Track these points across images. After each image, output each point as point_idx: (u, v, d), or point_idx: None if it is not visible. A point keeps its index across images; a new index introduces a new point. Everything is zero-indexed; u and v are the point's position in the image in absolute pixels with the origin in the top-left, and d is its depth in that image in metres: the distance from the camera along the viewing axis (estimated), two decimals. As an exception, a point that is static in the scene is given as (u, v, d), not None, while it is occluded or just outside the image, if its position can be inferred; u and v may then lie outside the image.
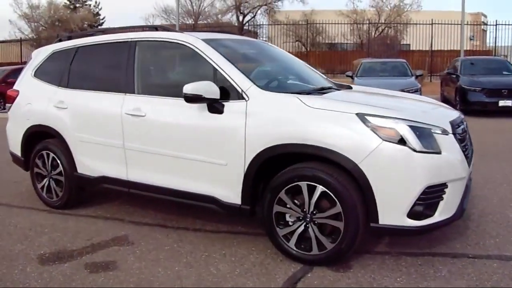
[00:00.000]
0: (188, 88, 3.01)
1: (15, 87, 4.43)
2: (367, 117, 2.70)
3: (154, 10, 30.09)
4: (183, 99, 3.09)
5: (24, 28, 26.50)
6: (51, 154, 4.01)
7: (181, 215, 3.89)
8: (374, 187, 2.64)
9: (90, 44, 4.00)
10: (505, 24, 20.29)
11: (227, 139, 3.04)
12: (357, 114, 2.72)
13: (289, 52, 5.61)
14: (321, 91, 3.51)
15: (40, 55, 4.34)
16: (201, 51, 3.30)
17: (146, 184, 3.48)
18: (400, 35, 23.89)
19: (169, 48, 3.64)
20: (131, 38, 3.71)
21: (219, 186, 3.14)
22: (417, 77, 11.37)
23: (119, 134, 3.56)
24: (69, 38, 4.32)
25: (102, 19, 33.96)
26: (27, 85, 4.31)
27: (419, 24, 20.38)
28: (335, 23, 23.86)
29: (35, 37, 25.98)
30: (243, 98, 3.04)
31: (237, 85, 3.08)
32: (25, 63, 21.52)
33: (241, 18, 28.60)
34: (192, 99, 3.04)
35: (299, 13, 28.70)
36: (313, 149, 2.78)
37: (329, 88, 3.73)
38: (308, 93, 3.32)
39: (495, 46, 20.07)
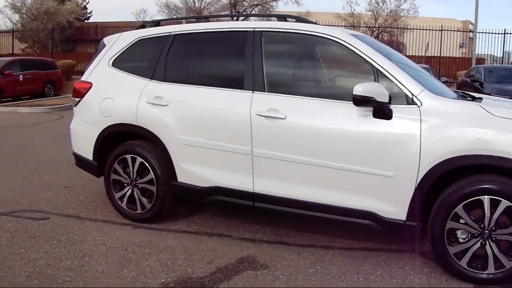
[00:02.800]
0: (359, 89, 2.65)
1: (85, 78, 3.76)
2: None
3: (156, 5, 29.11)
4: (332, 100, 2.84)
5: (14, 19, 25.04)
6: (139, 159, 3.41)
7: (293, 229, 3.44)
8: None
9: (192, 32, 3.43)
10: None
11: (398, 149, 2.68)
12: None
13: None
14: (467, 98, 3.19)
15: (118, 42, 3.71)
16: (355, 47, 2.92)
17: (279, 198, 3.00)
18: (397, 39, 23.94)
19: (307, 42, 3.20)
20: (254, 28, 3.20)
21: (381, 200, 2.76)
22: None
23: (246, 139, 3.02)
24: (157, 24, 3.72)
25: (89, 13, 32.64)
26: (104, 77, 3.67)
27: (429, 30, 20.42)
28: (331, 25, 23.65)
29: (20, 28, 24.49)
30: (414, 104, 2.70)
31: (406, 89, 2.74)
32: (14, 54, 20.35)
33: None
34: (362, 101, 2.67)
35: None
36: (500, 160, 2.49)
37: (468, 95, 3.39)
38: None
39: (503, 54, 20.40)
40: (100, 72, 3.69)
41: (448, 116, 2.68)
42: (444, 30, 20.11)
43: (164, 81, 3.38)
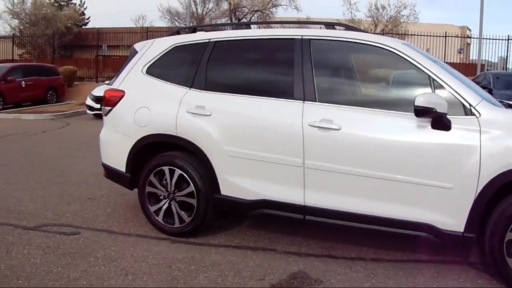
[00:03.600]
0: (421, 100, 2.59)
1: (116, 86, 3.60)
2: None
3: (158, 11, 28.82)
4: (388, 110, 2.78)
5: (13, 24, 24.72)
6: (177, 171, 3.26)
7: (336, 241, 3.33)
8: None
9: (234, 39, 3.30)
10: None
11: (457, 160, 2.61)
12: None
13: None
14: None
15: (152, 49, 3.56)
16: (409, 57, 2.86)
17: (333, 211, 2.88)
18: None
19: (359, 51, 3.13)
20: (302, 35, 3.09)
21: (439, 212, 2.69)
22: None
23: (298, 150, 2.91)
24: (193, 30, 3.58)
25: (87, 18, 32.47)
26: (138, 85, 3.51)
27: (432, 36, 20.49)
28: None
29: (18, 34, 24.21)
30: (473, 114, 2.65)
31: (464, 100, 2.69)
32: (14, 60, 20.10)
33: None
34: (423, 112, 2.61)
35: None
36: None
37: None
38: None
39: (507, 60, 20.51)
40: (133, 80, 3.54)
41: (507, 126, 2.62)
42: (448, 36, 20.17)
43: (205, 90, 3.25)
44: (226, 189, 3.15)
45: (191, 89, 3.29)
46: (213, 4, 25.51)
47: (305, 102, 2.98)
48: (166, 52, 3.47)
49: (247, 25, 3.42)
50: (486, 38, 18.70)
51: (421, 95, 2.63)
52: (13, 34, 23.51)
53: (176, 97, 3.28)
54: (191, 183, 3.22)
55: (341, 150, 2.87)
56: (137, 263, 2.95)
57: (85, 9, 31.78)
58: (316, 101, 2.97)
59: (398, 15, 25.62)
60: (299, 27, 3.49)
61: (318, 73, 3.04)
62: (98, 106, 11.39)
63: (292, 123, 2.94)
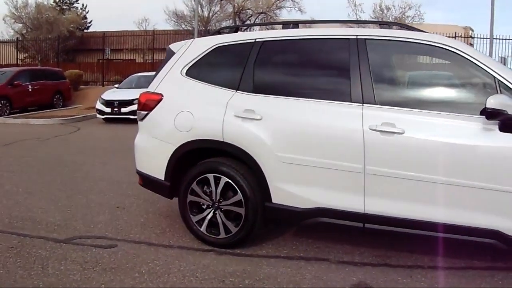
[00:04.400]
0: (492, 102, 2.46)
1: (153, 89, 3.38)
2: None
3: (159, 14, 28.62)
4: (452, 113, 2.65)
5: (16, 28, 24.48)
6: (223, 178, 3.04)
7: (387, 249, 3.16)
8: None
9: (283, 38, 3.10)
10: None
11: None
12: None
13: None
14: None
15: (191, 49, 3.34)
16: (473, 57, 2.71)
17: (395, 218, 2.71)
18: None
19: (418, 51, 3.03)
20: (356, 35, 2.92)
21: (507, 218, 2.55)
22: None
23: (358, 155, 2.73)
24: (236, 30, 3.38)
25: (89, 22, 32.26)
26: (177, 87, 3.29)
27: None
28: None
29: (20, 38, 24.00)
30: None
31: None
32: (18, 65, 19.84)
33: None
34: (494, 114, 2.48)
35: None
36: None
37: None
38: None
39: (506, 59, 20.34)
40: (172, 82, 3.32)
41: None
42: (458, 36, 19.99)
43: (254, 93, 3.04)
44: (278, 197, 2.94)
45: (238, 91, 3.08)
46: (219, 6, 25.33)
47: (364, 105, 2.80)
48: (208, 52, 3.26)
49: (295, 24, 3.22)
50: (497, 38, 18.50)
51: (493, 97, 2.49)
52: (17, 38, 23.28)
53: (221, 100, 3.08)
54: (239, 191, 3.01)
55: (405, 155, 2.69)
56: (186, 278, 2.73)
57: (87, 13, 31.60)
58: (375, 104, 2.79)
59: (403, 16, 25.51)
60: (345, 27, 3.31)
61: (376, 74, 2.86)
62: (108, 110, 11.22)
63: (352, 127, 2.76)
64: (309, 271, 2.85)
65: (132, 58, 23.41)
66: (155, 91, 3.36)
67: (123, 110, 11.05)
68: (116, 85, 13.22)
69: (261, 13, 27.62)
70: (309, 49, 3.06)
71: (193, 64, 3.29)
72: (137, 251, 3.15)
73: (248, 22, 28.69)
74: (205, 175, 3.11)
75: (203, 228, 3.18)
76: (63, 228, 3.63)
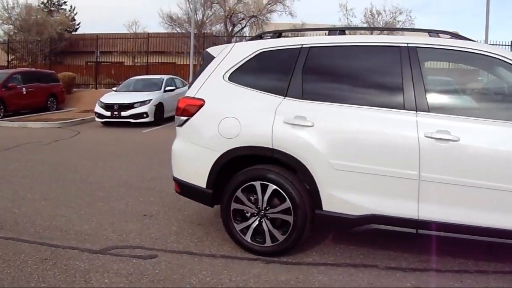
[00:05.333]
0: None
1: (193, 94, 3.28)
2: None
3: (158, 16, 28.14)
4: (503, 121, 2.70)
5: (5, 28, 23.88)
6: (271, 186, 2.97)
7: (428, 253, 3.11)
8: None
9: (332, 45, 3.07)
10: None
11: None
12: None
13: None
14: None
15: (233, 54, 3.26)
16: None
17: (450, 224, 2.71)
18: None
19: (469, 60, 3.02)
20: (407, 43, 2.92)
21: None
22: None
23: (413, 162, 2.72)
24: (279, 35, 3.33)
25: (78, 24, 31.69)
26: (220, 93, 3.22)
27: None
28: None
29: (7, 40, 23.37)
30: None
31: None
32: (7, 67, 19.30)
33: (230, 28, 27.75)
34: None
35: (288, 26, 28.31)
36: None
37: None
38: None
39: None
40: (214, 87, 3.23)
41: None
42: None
43: (303, 99, 2.99)
44: (329, 205, 2.89)
45: (286, 98, 3.01)
46: (213, 10, 25.22)
47: (417, 112, 2.80)
48: (252, 57, 3.18)
49: (342, 31, 3.19)
50: (500, 45, 18.89)
51: None
52: (8, 39, 22.66)
53: (269, 106, 3.00)
54: (287, 199, 2.94)
55: (460, 162, 2.69)
56: (241, 290, 2.67)
57: (75, 14, 31.11)
58: (428, 112, 2.80)
59: (394, 20, 25.89)
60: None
61: (428, 82, 2.89)
62: (108, 113, 10.99)
63: (407, 134, 2.76)
64: (361, 278, 2.83)
65: (121, 60, 23.06)
66: (196, 96, 3.27)
67: (124, 113, 10.83)
68: (114, 88, 12.96)
69: (253, 16, 27.64)
70: (359, 56, 3.05)
71: (236, 69, 3.21)
72: (180, 262, 3.04)
73: (239, 25, 28.71)
74: (251, 183, 3.04)
75: (247, 237, 3.10)
76: (95, 238, 3.49)
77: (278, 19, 29.42)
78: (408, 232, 2.82)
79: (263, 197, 3.02)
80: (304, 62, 3.04)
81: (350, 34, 3.41)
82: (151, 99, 11.11)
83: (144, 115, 10.91)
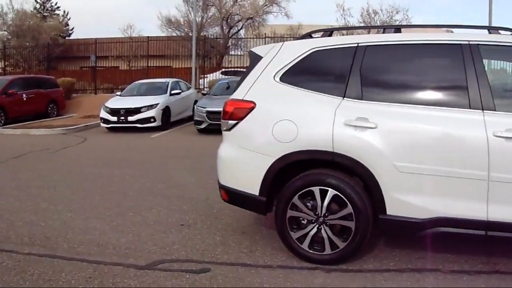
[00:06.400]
0: None
1: (241, 97, 3.10)
2: None
3: (155, 20, 27.90)
4: None
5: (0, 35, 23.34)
6: (331, 191, 2.81)
7: (482, 254, 3.04)
8: None
9: (389, 43, 2.94)
10: None
11: None
12: None
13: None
14: None
15: (283, 53, 3.08)
16: None
17: None
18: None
19: None
20: (468, 41, 2.80)
21: None
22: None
23: (482, 162, 2.62)
24: (330, 34, 3.17)
25: (71, 29, 31.23)
26: (271, 94, 3.03)
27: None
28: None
29: (1, 46, 22.90)
30: None
31: None
32: (3, 73, 18.85)
33: (226, 31, 27.58)
34: None
35: (285, 27, 28.23)
36: None
37: None
38: None
39: None
40: (264, 89, 3.05)
41: None
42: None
43: (363, 100, 2.84)
44: (394, 209, 2.74)
45: (345, 99, 2.86)
46: (211, 12, 25.05)
47: (484, 111, 2.68)
48: (304, 57, 3.01)
49: (397, 29, 3.06)
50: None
51: None
52: (5, 45, 22.20)
53: (328, 108, 2.84)
54: (349, 204, 2.78)
55: None
56: (313, 305, 2.50)
57: (68, 19, 30.75)
58: (495, 110, 2.69)
59: (391, 19, 25.88)
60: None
61: (493, 80, 2.78)
62: (114, 119, 10.74)
63: (475, 134, 2.64)
64: (430, 283, 2.74)
65: (116, 65, 22.71)
66: (245, 99, 3.09)
67: (130, 118, 10.59)
68: (118, 93, 12.70)
69: (249, 18, 27.51)
70: (419, 55, 2.93)
71: (288, 69, 3.03)
72: (237, 274, 2.86)
73: (235, 27, 28.54)
74: (309, 188, 2.87)
75: (304, 245, 2.92)
76: (136, 252, 3.27)
77: (274, 20, 29.33)
78: (476, 234, 2.68)
79: (322, 203, 2.85)
80: (361, 61, 2.89)
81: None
82: (158, 103, 10.88)
83: (152, 120, 10.68)
